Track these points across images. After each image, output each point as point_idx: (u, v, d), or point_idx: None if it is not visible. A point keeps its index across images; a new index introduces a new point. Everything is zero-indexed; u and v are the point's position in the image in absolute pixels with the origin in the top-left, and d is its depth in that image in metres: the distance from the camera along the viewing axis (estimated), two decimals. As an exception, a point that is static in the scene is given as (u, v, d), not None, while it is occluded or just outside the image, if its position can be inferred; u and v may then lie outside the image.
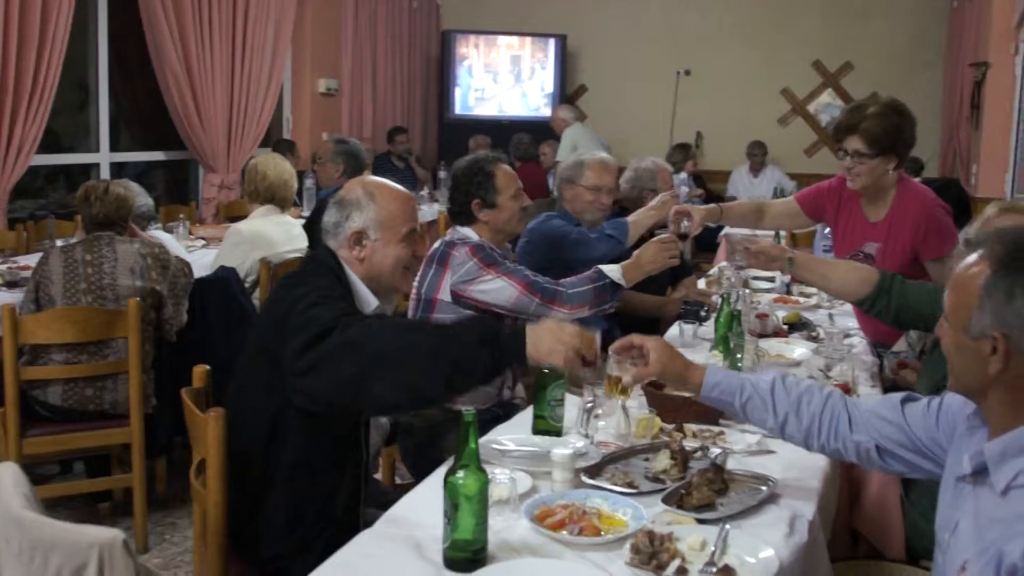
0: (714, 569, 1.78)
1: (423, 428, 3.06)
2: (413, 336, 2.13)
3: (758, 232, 4.56)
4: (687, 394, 2.75)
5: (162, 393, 3.91)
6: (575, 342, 2.09)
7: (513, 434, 2.58)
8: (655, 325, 4.79)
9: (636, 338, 2.16)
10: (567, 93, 11.18)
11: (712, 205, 3.91)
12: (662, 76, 11.04)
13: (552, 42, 10.92)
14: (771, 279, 5.12)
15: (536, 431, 2.58)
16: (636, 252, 3.34)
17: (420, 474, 3.14)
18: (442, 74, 10.94)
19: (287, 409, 2.24)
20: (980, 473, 1.63)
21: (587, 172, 4.10)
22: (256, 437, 2.31)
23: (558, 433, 2.57)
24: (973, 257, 1.60)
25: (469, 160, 3.34)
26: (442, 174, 9.61)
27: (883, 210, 3.71)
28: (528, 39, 10.97)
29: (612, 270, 3.21)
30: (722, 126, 10.85)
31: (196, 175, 7.90)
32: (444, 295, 3.12)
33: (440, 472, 2.29)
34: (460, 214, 3.25)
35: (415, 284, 3.15)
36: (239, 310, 4.29)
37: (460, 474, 1.76)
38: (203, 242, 5.67)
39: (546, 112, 10.74)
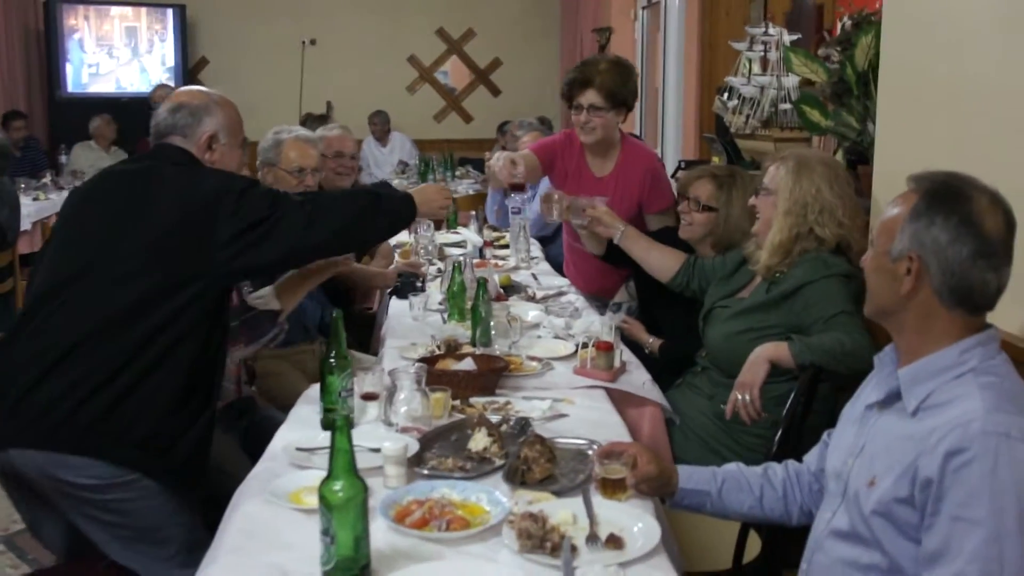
0: (601, 540, 1.75)
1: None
2: (347, 207, 2.56)
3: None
4: (466, 368, 2.73)
5: None
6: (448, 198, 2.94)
7: (298, 432, 2.39)
8: (350, 294, 4.66)
9: (618, 444, 2.06)
10: (188, 66, 10.57)
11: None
12: (287, 46, 10.78)
13: (170, 12, 10.28)
14: (462, 244, 5.15)
15: (326, 426, 2.40)
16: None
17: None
18: (49, 49, 9.91)
19: (198, 290, 2.34)
20: (890, 399, 1.74)
21: (288, 152, 3.69)
22: (141, 321, 2.30)
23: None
24: (903, 194, 1.72)
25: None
26: (63, 158, 8.76)
27: (609, 165, 3.83)
28: (143, 9, 10.24)
29: (260, 295, 2.96)
30: (352, 95, 10.75)
31: None
32: None
33: (253, 486, 2.07)
34: None
35: None
36: None
37: (337, 485, 1.59)
38: None
39: (170, 87, 10.08)
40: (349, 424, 1.62)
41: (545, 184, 4.95)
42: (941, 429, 1.58)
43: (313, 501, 1.92)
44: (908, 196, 1.71)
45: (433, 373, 2.64)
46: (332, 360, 2.38)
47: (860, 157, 3.45)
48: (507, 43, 11.01)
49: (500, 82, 11.33)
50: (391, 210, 2.67)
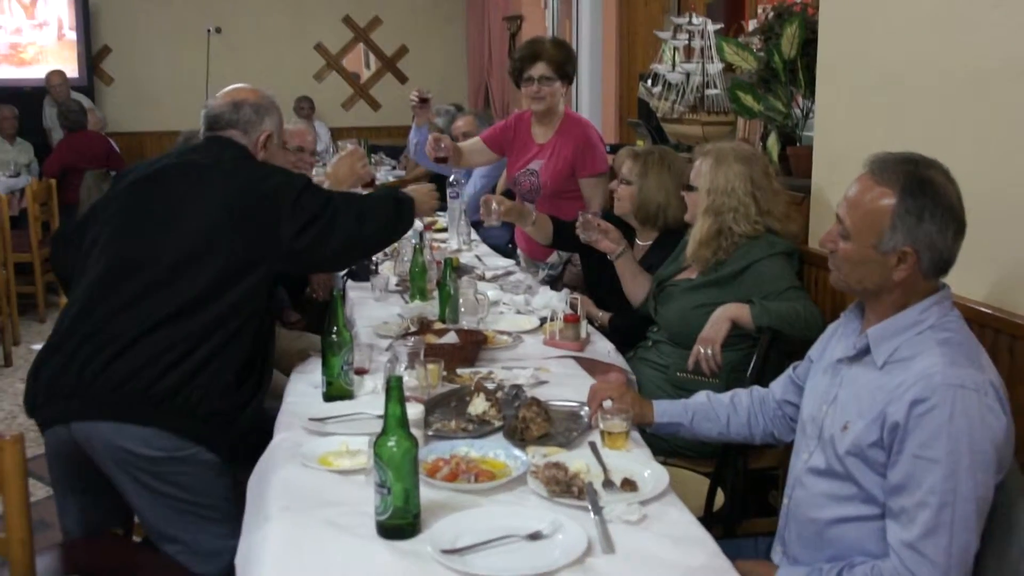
0: (617, 484, 1.96)
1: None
2: (382, 206, 2.78)
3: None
4: (452, 341, 2.91)
5: None
6: (437, 199, 3.19)
7: (303, 405, 2.53)
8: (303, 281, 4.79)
9: (602, 389, 2.38)
10: (92, 54, 10.40)
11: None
12: (191, 34, 10.67)
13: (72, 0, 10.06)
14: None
15: (329, 398, 2.56)
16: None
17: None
18: (-54, 39, 9.65)
19: (261, 273, 2.52)
20: (860, 354, 1.97)
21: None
22: (212, 304, 2.44)
23: (351, 396, 2.57)
24: (877, 187, 1.89)
25: None
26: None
27: (550, 132, 4.27)
28: (41, -3, 10.03)
29: None
30: (259, 83, 10.47)
31: None
32: None
33: (279, 456, 2.22)
34: None
35: None
36: None
37: (392, 441, 1.76)
38: None
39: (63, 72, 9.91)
40: (400, 387, 1.78)
41: (480, 171, 5.34)
42: (907, 381, 1.82)
43: (341, 463, 2.12)
44: (883, 191, 1.88)
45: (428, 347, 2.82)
46: (333, 337, 2.54)
47: (788, 139, 3.74)
48: (414, 30, 11.13)
49: (407, 69, 11.42)
50: (409, 210, 2.90)
